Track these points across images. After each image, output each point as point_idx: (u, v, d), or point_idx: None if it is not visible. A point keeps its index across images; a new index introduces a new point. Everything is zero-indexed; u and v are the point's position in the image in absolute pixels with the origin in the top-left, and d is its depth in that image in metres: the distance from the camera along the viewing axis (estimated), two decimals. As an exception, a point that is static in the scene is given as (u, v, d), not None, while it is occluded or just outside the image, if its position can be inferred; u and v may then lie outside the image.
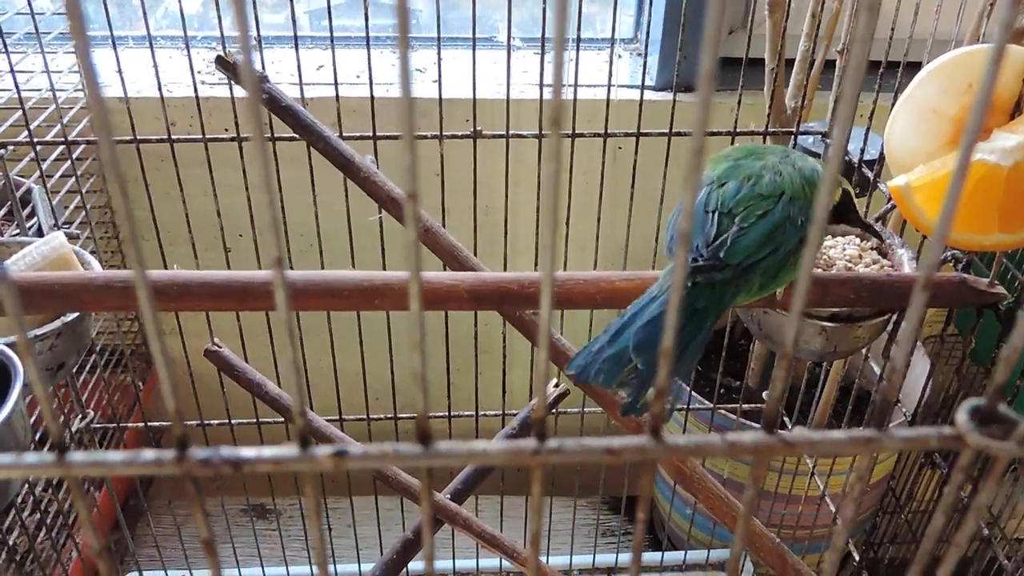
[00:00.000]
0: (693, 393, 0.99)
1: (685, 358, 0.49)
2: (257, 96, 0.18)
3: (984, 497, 0.26)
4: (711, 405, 0.97)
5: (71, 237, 0.77)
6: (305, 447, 0.22)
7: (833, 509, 0.86)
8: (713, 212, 0.53)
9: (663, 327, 0.54)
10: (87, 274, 0.52)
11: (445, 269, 0.66)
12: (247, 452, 0.21)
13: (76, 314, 0.60)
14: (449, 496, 0.83)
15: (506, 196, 0.79)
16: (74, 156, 0.87)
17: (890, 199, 0.77)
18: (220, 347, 0.81)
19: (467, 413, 0.92)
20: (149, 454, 0.22)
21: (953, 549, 0.26)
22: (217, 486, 1.15)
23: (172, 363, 0.21)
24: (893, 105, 0.70)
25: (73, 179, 0.89)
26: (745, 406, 0.97)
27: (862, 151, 0.80)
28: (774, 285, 0.55)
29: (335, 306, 0.52)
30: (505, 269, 0.73)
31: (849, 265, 0.68)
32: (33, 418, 0.88)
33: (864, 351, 0.79)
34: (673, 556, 1.10)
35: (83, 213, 0.94)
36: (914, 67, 0.62)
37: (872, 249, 0.71)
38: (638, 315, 0.50)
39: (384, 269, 0.71)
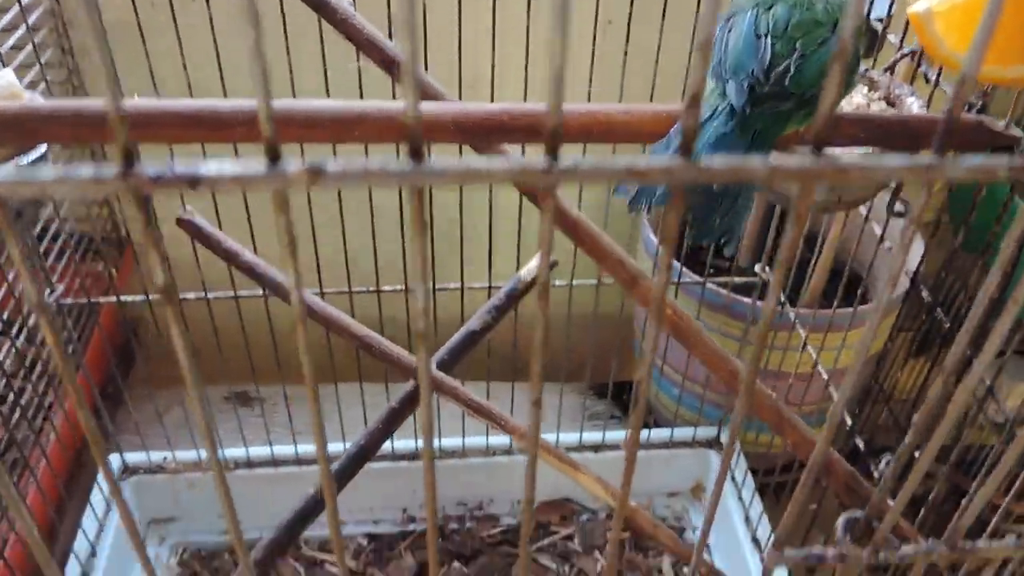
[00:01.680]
0: (684, 268, 0.97)
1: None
2: None
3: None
4: (701, 279, 0.95)
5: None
6: (274, 161, 0.18)
7: (826, 378, 0.85)
8: (765, 36, 0.50)
9: (730, 145, 0.51)
10: (32, 103, 0.48)
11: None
12: (206, 168, 0.18)
13: (33, 156, 0.55)
14: (436, 366, 0.81)
15: (493, 48, 0.74)
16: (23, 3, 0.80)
17: (899, 48, 0.73)
18: (192, 215, 0.77)
19: (453, 286, 0.90)
20: (87, 169, 0.18)
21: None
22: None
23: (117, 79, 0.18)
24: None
25: (23, 30, 0.82)
26: (736, 279, 0.95)
27: (870, 6, 0.76)
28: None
29: (315, 137, 0.48)
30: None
31: (856, 113, 0.65)
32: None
33: (862, 225, 0.76)
34: (660, 433, 1.09)
35: (36, 69, 0.88)
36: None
37: (880, 99, 0.68)
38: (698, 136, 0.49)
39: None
